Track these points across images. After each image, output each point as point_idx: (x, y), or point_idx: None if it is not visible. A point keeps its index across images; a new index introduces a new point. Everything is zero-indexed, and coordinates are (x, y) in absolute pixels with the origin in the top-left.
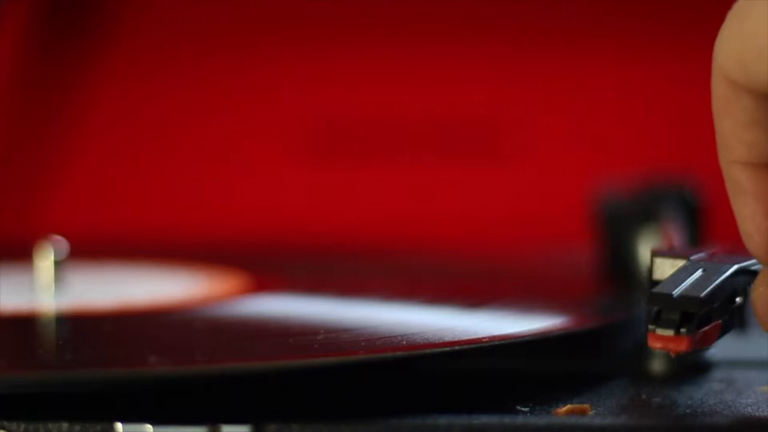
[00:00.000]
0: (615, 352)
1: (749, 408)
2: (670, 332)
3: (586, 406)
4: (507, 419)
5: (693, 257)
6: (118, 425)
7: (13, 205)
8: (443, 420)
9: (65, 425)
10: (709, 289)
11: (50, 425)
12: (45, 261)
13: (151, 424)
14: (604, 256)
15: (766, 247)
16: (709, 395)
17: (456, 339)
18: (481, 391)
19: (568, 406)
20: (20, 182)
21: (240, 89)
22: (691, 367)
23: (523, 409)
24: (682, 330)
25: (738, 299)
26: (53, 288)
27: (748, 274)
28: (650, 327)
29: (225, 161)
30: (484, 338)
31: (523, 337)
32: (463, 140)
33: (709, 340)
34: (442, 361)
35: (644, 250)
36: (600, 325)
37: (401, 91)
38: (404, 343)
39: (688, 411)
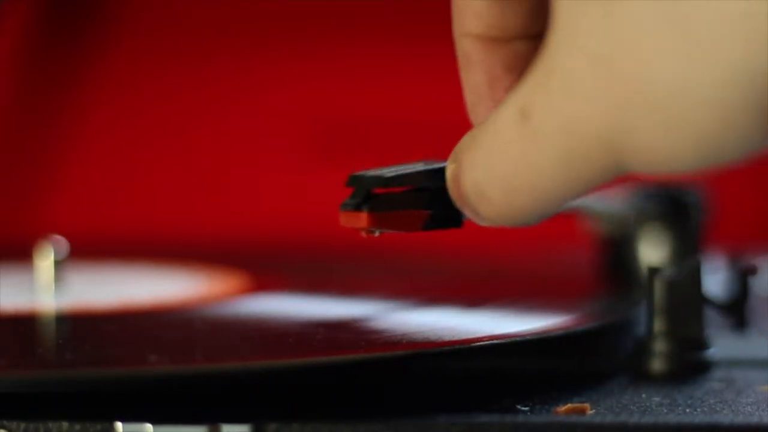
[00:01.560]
0: (615, 352)
1: (749, 408)
2: (351, 208)
3: (585, 405)
4: (507, 419)
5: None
6: (118, 425)
7: (13, 205)
8: (443, 420)
9: (65, 425)
10: (397, 172)
11: (50, 425)
12: (45, 261)
13: (151, 424)
14: (604, 256)
15: (485, 117)
16: (709, 395)
17: (456, 339)
18: (481, 391)
19: (568, 406)
20: (20, 182)
21: (240, 89)
22: (691, 367)
23: (523, 408)
24: (365, 206)
25: None
26: (53, 288)
27: None
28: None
29: (225, 161)
30: (484, 338)
31: (523, 337)
32: None
33: (406, 226)
34: (442, 361)
35: (644, 250)
36: (600, 325)
37: (401, 91)
38: (404, 343)
39: (688, 411)
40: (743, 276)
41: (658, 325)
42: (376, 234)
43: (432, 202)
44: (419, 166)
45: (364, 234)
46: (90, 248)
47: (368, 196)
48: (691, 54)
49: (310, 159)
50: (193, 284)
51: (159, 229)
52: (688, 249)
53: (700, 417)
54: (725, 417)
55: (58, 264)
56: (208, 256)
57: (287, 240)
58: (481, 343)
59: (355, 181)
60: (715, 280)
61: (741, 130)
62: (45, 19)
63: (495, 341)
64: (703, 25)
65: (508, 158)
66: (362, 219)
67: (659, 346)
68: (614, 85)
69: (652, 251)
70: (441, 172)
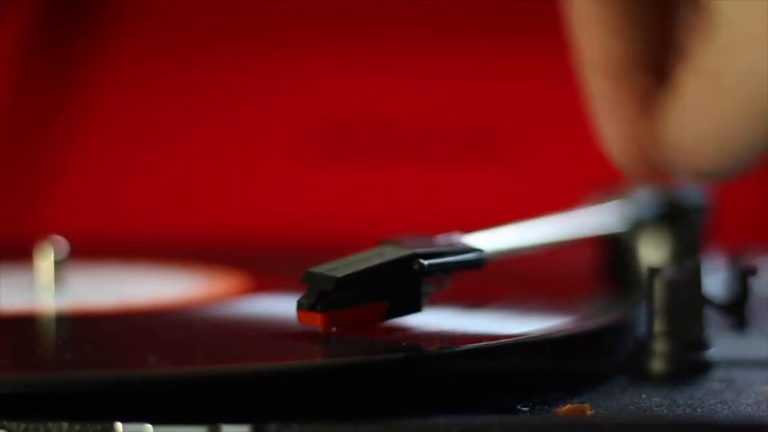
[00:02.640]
0: (615, 352)
1: (749, 408)
2: (305, 309)
3: (585, 405)
4: (507, 419)
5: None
6: (118, 425)
7: (13, 205)
8: (443, 420)
9: (65, 425)
10: (351, 270)
11: (50, 425)
12: (45, 261)
13: (151, 424)
14: (604, 257)
15: (625, 153)
16: (709, 395)
17: (456, 339)
18: (481, 391)
19: (568, 406)
20: (20, 182)
21: (240, 89)
22: (691, 367)
23: (523, 408)
24: (318, 307)
25: (431, 286)
26: (53, 288)
27: (436, 257)
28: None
29: (225, 161)
30: (484, 338)
31: (523, 337)
32: (464, 140)
33: (365, 321)
34: (443, 362)
35: (644, 250)
36: (600, 325)
37: (401, 92)
38: (404, 343)
39: (688, 411)
40: (743, 276)
41: (658, 325)
42: (333, 330)
43: (389, 292)
44: (374, 259)
45: (322, 331)
46: (90, 248)
47: (321, 295)
48: None
49: (310, 159)
50: (193, 284)
51: (159, 229)
52: (688, 249)
53: (700, 417)
54: (725, 417)
55: (58, 264)
56: (208, 256)
57: (287, 240)
58: (482, 344)
59: (308, 278)
60: (715, 280)
61: None
62: (45, 19)
63: (495, 343)
64: None
65: (698, 114)
66: (317, 320)
67: (659, 346)
68: None
69: (652, 251)
70: (395, 263)
